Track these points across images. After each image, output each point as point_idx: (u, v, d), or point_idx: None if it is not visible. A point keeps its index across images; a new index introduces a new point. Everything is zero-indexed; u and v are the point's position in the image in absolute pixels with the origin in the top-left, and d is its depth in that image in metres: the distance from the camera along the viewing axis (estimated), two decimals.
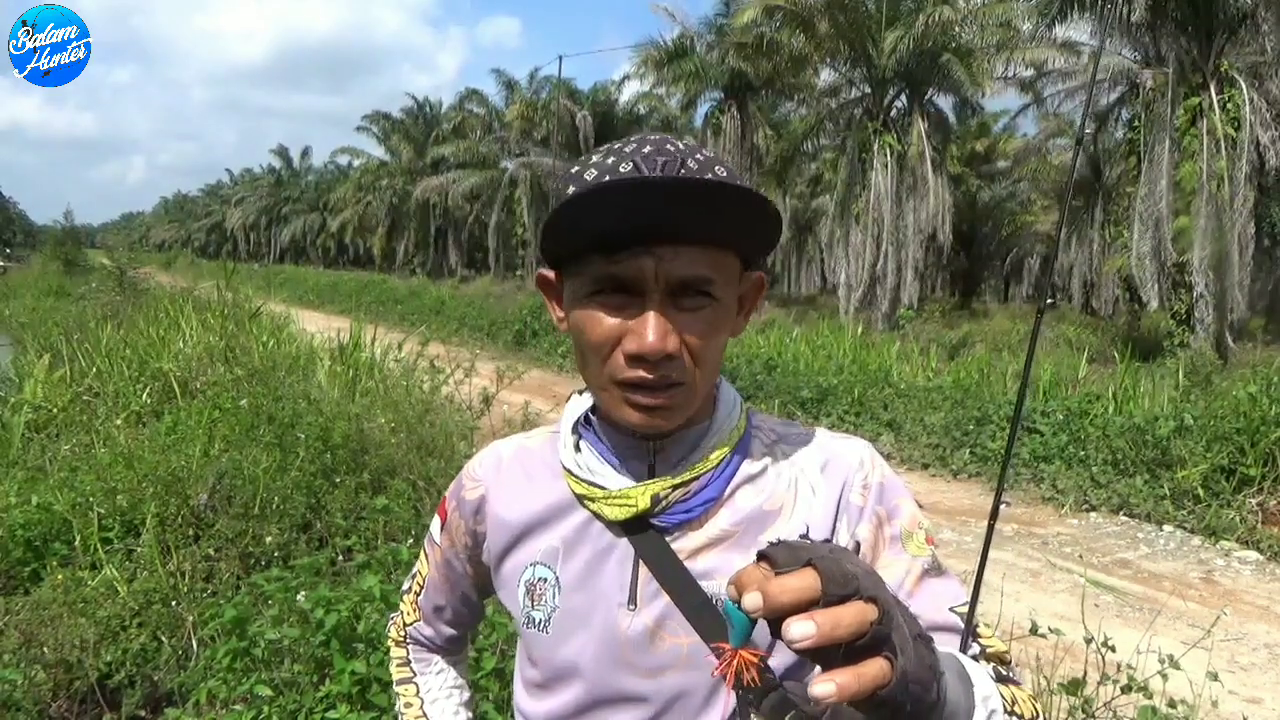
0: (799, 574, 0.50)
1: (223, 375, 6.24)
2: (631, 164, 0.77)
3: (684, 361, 0.77)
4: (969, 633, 0.74)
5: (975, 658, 0.75)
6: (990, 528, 0.71)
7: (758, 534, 0.82)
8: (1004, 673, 0.75)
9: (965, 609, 0.79)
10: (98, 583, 3.20)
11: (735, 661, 0.53)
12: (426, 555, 1.05)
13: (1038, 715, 0.70)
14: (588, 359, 0.81)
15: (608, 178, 0.76)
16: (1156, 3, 13.71)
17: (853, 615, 0.49)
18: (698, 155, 0.78)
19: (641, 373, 0.76)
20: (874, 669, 0.50)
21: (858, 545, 0.81)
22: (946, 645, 0.71)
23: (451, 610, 1.06)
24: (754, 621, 0.51)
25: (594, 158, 0.80)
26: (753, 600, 0.49)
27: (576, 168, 0.80)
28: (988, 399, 8.61)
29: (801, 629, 0.48)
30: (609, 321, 0.77)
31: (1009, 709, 0.65)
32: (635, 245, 0.75)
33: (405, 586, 1.12)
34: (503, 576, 0.91)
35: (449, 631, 1.09)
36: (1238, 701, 3.64)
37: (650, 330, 0.75)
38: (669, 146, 0.79)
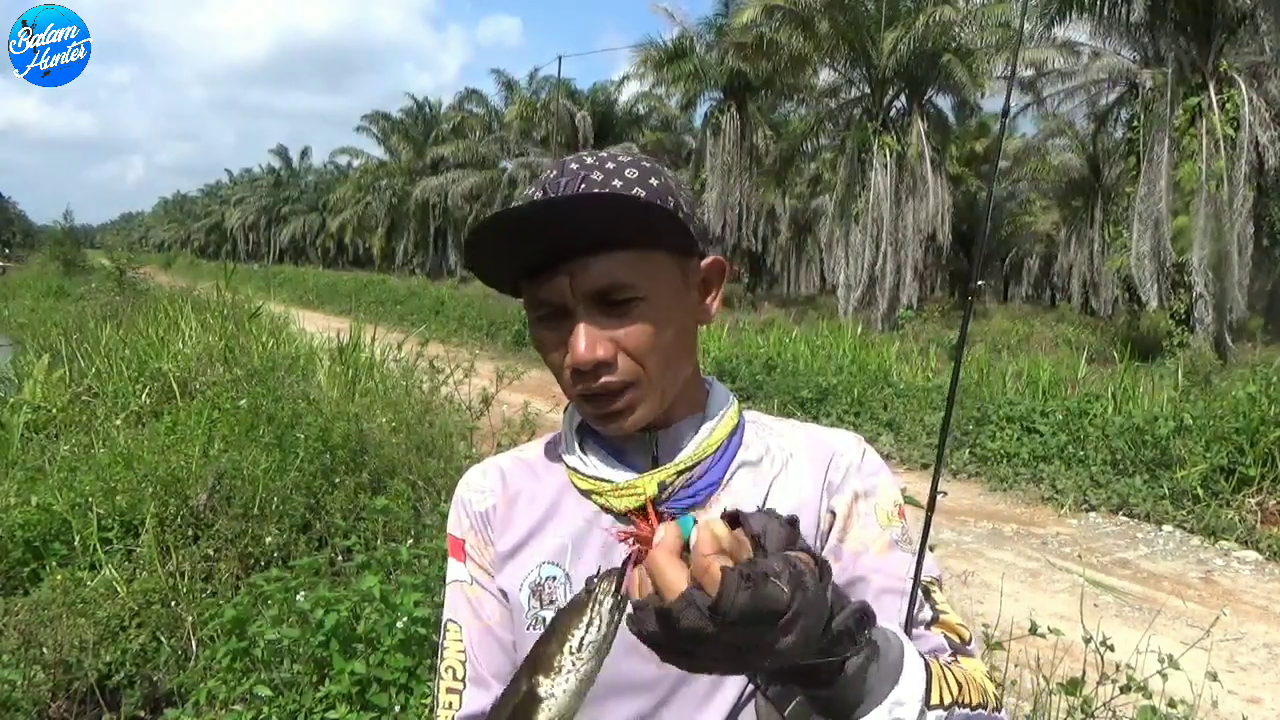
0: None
1: (222, 375, 6.23)
2: (541, 190, 0.80)
3: (622, 365, 0.79)
4: (915, 596, 0.77)
5: (928, 623, 0.80)
6: (929, 517, 0.76)
7: None
8: (957, 643, 0.80)
9: (928, 579, 0.83)
10: (97, 583, 3.20)
11: (641, 545, 0.60)
12: (455, 621, 0.92)
13: (962, 696, 0.69)
14: (555, 377, 0.85)
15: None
16: (1156, 3, 13.72)
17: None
18: (608, 165, 0.80)
19: (584, 384, 0.80)
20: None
21: (832, 514, 0.86)
22: (900, 607, 0.79)
23: (511, 662, 0.89)
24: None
25: (526, 189, 0.85)
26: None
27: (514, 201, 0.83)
28: (987, 399, 8.61)
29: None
30: (552, 342, 0.82)
31: (943, 702, 0.66)
32: (548, 267, 0.78)
33: (434, 689, 0.94)
34: (501, 583, 0.90)
35: None
36: (1237, 701, 3.64)
37: (579, 343, 0.78)
38: (573, 165, 0.81)
